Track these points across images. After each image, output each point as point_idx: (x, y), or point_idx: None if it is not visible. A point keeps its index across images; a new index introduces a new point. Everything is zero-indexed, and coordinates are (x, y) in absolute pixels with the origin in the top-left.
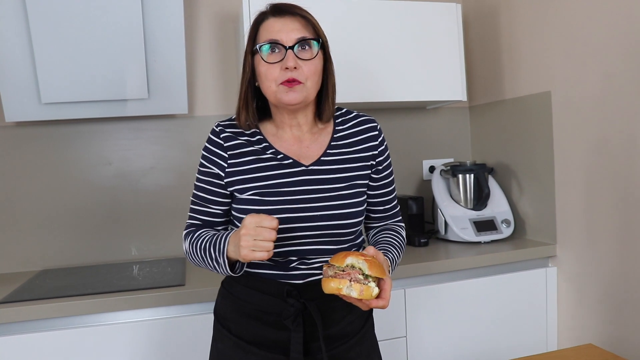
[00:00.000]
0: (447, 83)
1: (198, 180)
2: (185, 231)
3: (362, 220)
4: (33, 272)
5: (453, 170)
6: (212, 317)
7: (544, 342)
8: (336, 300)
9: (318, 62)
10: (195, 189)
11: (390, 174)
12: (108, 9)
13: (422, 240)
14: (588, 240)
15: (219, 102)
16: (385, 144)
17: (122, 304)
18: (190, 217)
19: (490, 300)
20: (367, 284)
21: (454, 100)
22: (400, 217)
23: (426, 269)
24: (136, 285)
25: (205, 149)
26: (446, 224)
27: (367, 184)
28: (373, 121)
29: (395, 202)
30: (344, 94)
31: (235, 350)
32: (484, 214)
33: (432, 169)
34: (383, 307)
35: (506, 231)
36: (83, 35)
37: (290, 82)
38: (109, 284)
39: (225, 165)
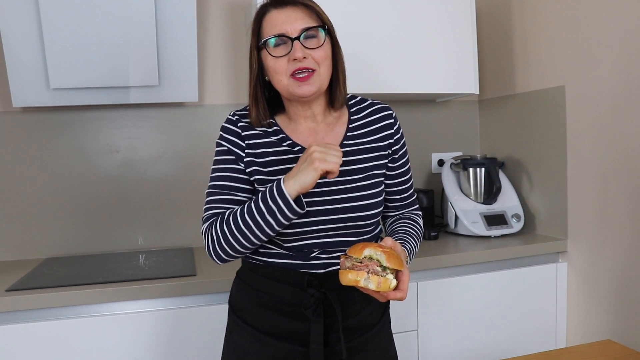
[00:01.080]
0: (460, 76)
1: (216, 170)
2: (206, 223)
3: (381, 210)
4: (38, 260)
5: (464, 164)
6: (225, 307)
7: (552, 338)
8: (356, 291)
9: (327, 48)
10: (214, 180)
11: (407, 162)
12: None
13: (432, 234)
14: (600, 235)
15: (229, 91)
16: (401, 131)
17: (131, 293)
18: (211, 209)
19: (501, 295)
20: (384, 276)
21: (466, 94)
22: (417, 206)
23: (438, 263)
24: (144, 274)
25: (222, 137)
26: (456, 217)
27: (385, 173)
28: (388, 109)
29: (412, 190)
30: (354, 85)
31: (252, 341)
32: (494, 208)
33: (441, 163)
34: (401, 299)
35: (516, 226)
36: (94, 21)
37: (302, 75)
38: (117, 273)
39: (244, 154)
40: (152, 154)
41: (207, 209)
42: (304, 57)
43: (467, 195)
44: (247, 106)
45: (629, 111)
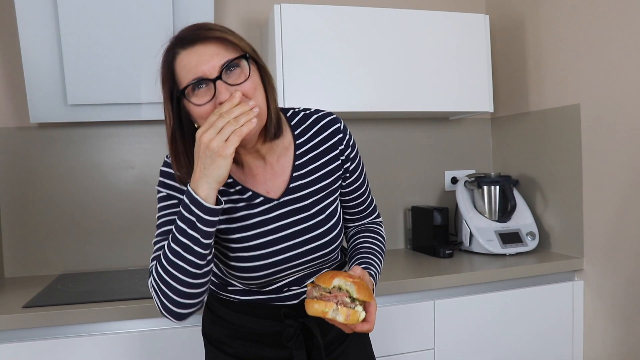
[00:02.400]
0: (474, 94)
1: (159, 217)
2: (150, 277)
3: (342, 237)
4: (52, 276)
5: (478, 182)
6: None
7: (569, 357)
8: None
9: (255, 77)
10: (157, 228)
11: (361, 174)
12: (138, 12)
13: (447, 252)
14: (616, 254)
15: None
16: (351, 142)
17: (146, 311)
18: (155, 259)
19: (517, 314)
20: (354, 308)
21: (480, 112)
22: (377, 212)
23: (453, 281)
24: None
25: (160, 183)
26: (471, 235)
27: (340, 192)
28: (335, 121)
29: (370, 199)
30: (368, 102)
31: None
32: (509, 226)
33: (454, 180)
34: (368, 331)
35: (531, 244)
36: (113, 37)
37: None
38: (132, 290)
39: None
40: None
41: (152, 259)
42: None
43: (482, 213)
44: None
45: None
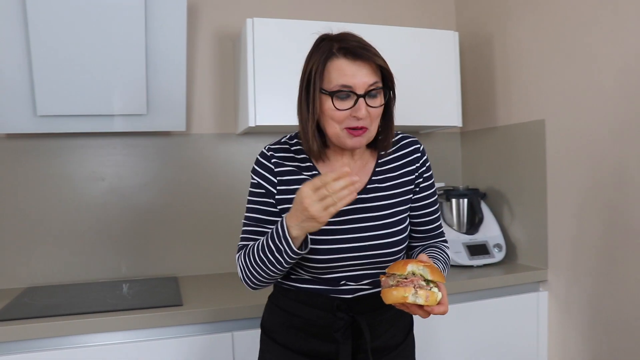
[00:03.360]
0: (444, 108)
1: (250, 202)
2: (238, 253)
3: (407, 245)
4: (19, 290)
5: (447, 195)
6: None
7: None
8: (382, 314)
9: (383, 105)
10: (247, 212)
11: (433, 194)
12: (110, 23)
13: None
14: (578, 265)
15: (216, 121)
16: (427, 164)
17: (115, 324)
18: (243, 239)
19: (483, 324)
20: (431, 289)
21: (449, 126)
22: (445, 237)
23: None
24: (128, 304)
25: (254, 171)
26: None
27: (410, 206)
28: (416, 142)
29: (439, 222)
30: None
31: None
32: (477, 238)
33: None
34: (444, 313)
35: (498, 255)
36: (84, 49)
37: (357, 131)
38: (100, 303)
39: (275, 191)
40: (138, 182)
41: (240, 239)
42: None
43: (450, 226)
44: (280, 139)
45: (606, 145)
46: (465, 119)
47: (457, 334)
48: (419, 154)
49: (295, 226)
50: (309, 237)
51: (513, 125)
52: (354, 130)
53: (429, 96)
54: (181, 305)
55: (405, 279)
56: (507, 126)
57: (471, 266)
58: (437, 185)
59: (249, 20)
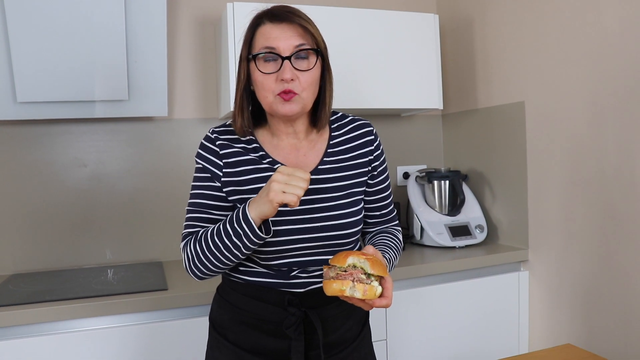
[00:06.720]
0: (424, 91)
1: (195, 187)
2: (184, 241)
3: (360, 228)
4: (3, 277)
5: (429, 177)
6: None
7: (515, 344)
8: (336, 308)
9: (315, 72)
10: (192, 198)
11: (386, 178)
12: (90, 8)
13: None
14: (558, 245)
15: (198, 105)
16: (381, 148)
17: (102, 309)
18: (188, 227)
19: (465, 304)
20: (370, 284)
21: (430, 108)
22: (397, 221)
23: (404, 274)
24: (113, 289)
25: (199, 155)
26: (422, 229)
27: (364, 190)
28: (369, 125)
29: (392, 206)
30: None
31: (233, 359)
32: (459, 219)
33: (406, 175)
34: (386, 306)
35: (480, 236)
36: (64, 35)
37: (287, 94)
38: (86, 289)
39: (221, 174)
40: (121, 168)
41: (185, 226)
42: (292, 80)
43: (432, 207)
44: (226, 122)
45: (585, 125)
46: (446, 101)
47: (440, 314)
48: (372, 137)
49: (254, 209)
50: None
51: (493, 108)
52: (284, 94)
53: (409, 79)
54: (166, 289)
55: (345, 271)
56: (488, 108)
57: (453, 247)
58: (418, 167)
59: (229, 5)
